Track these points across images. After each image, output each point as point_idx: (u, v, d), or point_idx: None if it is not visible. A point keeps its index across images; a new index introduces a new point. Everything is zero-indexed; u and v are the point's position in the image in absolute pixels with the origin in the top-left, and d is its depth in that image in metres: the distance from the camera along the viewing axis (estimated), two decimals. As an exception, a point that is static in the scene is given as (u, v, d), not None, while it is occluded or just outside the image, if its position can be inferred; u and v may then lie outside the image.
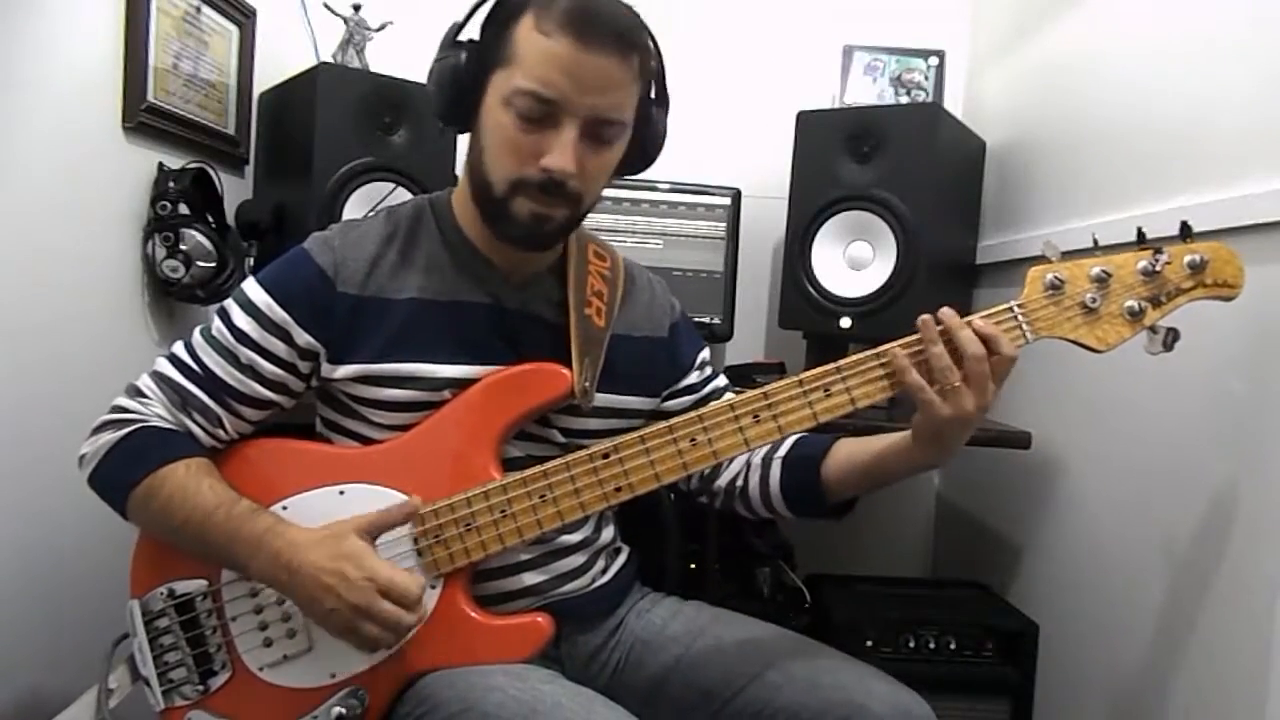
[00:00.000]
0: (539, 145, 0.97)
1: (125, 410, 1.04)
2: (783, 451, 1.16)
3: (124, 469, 1.01)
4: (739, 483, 1.19)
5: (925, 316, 0.95)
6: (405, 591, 0.93)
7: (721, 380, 1.26)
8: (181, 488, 0.99)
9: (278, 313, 1.02)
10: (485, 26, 1.01)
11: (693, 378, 1.22)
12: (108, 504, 1.03)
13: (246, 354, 1.03)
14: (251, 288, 1.05)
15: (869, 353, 0.98)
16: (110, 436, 1.02)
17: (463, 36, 1.02)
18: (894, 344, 0.97)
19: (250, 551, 0.96)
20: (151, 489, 0.99)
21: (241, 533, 0.97)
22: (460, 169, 1.12)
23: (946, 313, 0.95)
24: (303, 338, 1.03)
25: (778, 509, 1.16)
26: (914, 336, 0.97)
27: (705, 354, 1.26)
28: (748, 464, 1.18)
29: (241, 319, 1.03)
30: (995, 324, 0.96)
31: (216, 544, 0.98)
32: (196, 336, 1.06)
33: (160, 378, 1.05)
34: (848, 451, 1.10)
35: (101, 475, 1.03)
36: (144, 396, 1.04)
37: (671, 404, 1.20)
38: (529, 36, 0.96)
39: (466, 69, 1.00)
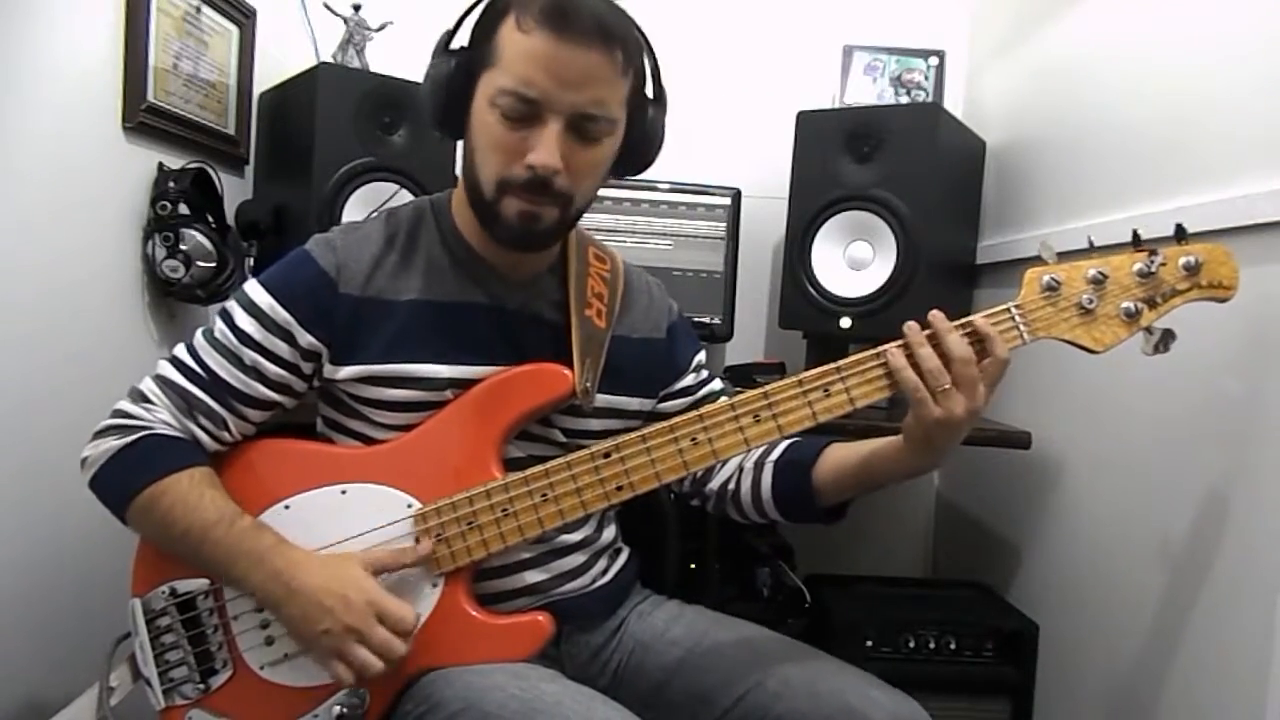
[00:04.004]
0: (524, 144, 0.97)
1: (129, 416, 1.03)
2: (774, 456, 1.15)
3: (126, 477, 1.00)
4: (730, 487, 1.18)
5: (910, 322, 0.96)
6: (401, 619, 0.94)
7: (718, 384, 1.25)
8: (183, 499, 0.98)
9: (280, 314, 1.02)
10: (474, 31, 1.01)
11: (688, 379, 1.22)
12: (108, 509, 1.03)
13: (250, 355, 1.03)
14: (254, 289, 1.04)
15: (868, 353, 0.98)
16: (114, 443, 1.01)
17: (454, 44, 1.03)
18: (892, 344, 0.97)
19: (249, 567, 0.97)
20: (153, 498, 0.99)
21: (242, 548, 0.97)
22: (459, 171, 1.12)
23: (936, 316, 0.96)
24: (305, 338, 1.03)
25: (769, 514, 1.16)
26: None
27: (702, 356, 1.26)
28: (740, 468, 1.18)
29: (244, 320, 1.03)
30: (993, 324, 0.96)
31: (215, 557, 0.98)
32: (198, 338, 1.06)
33: (164, 382, 1.04)
34: (839, 456, 1.09)
35: (103, 481, 1.02)
36: (148, 402, 1.03)
37: (667, 405, 1.20)
38: (510, 36, 0.96)
39: (455, 75, 1.00)
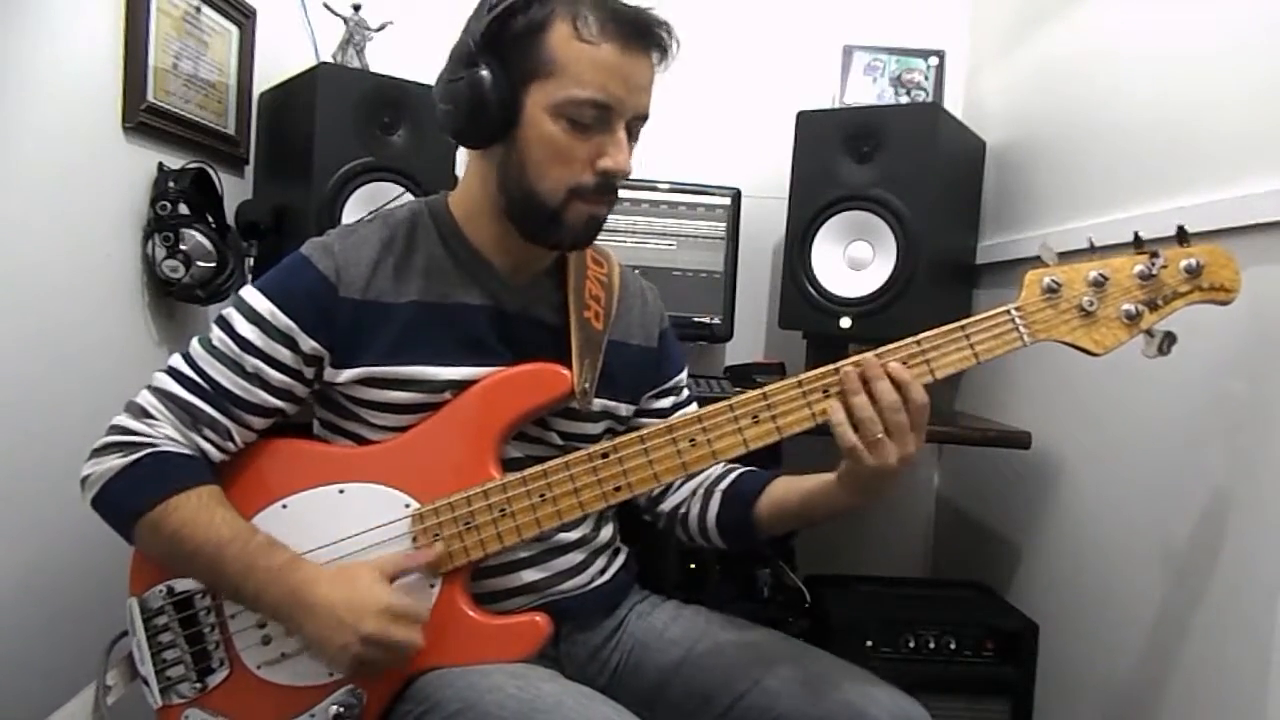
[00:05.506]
0: (592, 150, 1.00)
1: (131, 432, 1.01)
2: (724, 485, 1.17)
3: (131, 497, 0.99)
4: (682, 510, 1.20)
5: (848, 369, 0.95)
6: (417, 615, 0.96)
7: (694, 408, 1.22)
8: (192, 519, 0.97)
9: (281, 320, 1.02)
10: (504, 43, 0.99)
11: (665, 402, 1.22)
12: (112, 528, 1.01)
13: (253, 363, 1.02)
14: (253, 296, 1.03)
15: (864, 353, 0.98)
16: (117, 461, 0.99)
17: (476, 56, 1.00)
18: (832, 394, 0.96)
19: (263, 586, 0.96)
20: (161, 518, 0.97)
21: (256, 567, 0.96)
22: (461, 173, 1.12)
23: (867, 360, 0.95)
24: (308, 344, 1.02)
25: (713, 540, 1.18)
26: (829, 368, 0.97)
27: (684, 375, 1.27)
28: (693, 492, 1.20)
29: (245, 327, 1.02)
30: (910, 368, 0.94)
31: (229, 576, 0.97)
32: (196, 348, 1.04)
33: (164, 395, 1.02)
34: (779, 493, 1.12)
35: (108, 501, 1.00)
36: (150, 417, 1.01)
37: (641, 420, 1.19)
38: (570, 46, 0.97)
39: (495, 87, 0.98)
